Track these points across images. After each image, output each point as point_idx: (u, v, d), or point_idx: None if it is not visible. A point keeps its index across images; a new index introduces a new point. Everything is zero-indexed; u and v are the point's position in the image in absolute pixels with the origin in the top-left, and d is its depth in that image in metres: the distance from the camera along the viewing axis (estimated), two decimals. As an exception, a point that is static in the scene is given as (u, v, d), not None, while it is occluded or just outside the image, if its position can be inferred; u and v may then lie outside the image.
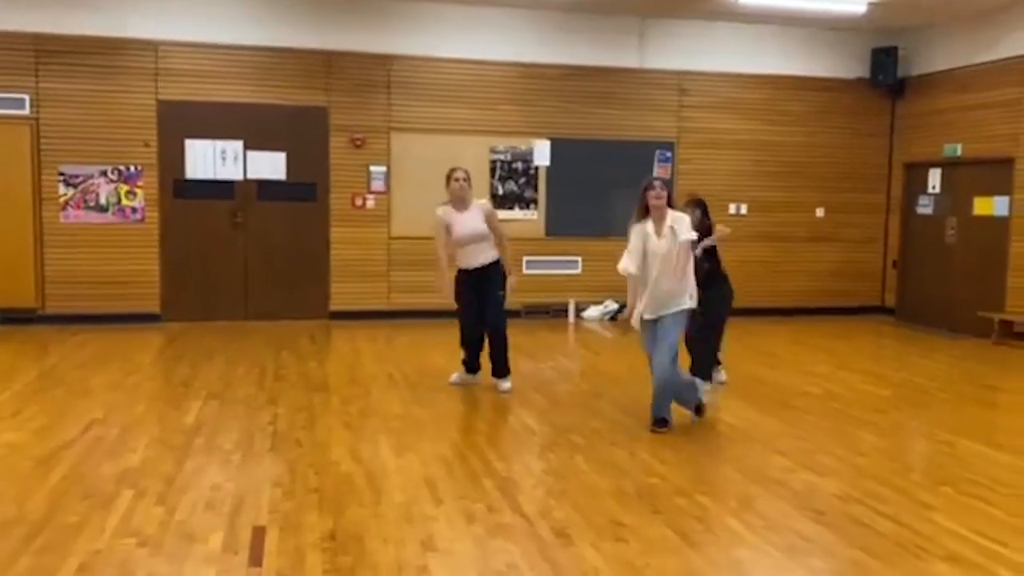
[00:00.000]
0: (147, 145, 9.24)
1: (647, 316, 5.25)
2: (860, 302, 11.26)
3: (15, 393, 6.13)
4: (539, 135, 10.21)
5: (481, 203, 6.26)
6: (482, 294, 6.22)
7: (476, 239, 6.10)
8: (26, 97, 8.92)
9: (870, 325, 10.55)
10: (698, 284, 5.40)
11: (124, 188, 9.24)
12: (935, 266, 10.47)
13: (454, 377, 6.57)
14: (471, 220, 6.09)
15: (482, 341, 6.40)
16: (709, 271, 6.10)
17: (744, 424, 5.65)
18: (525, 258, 10.15)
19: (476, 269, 6.16)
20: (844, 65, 10.90)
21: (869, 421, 5.78)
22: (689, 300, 5.26)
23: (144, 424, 5.38)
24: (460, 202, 6.12)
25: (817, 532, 3.79)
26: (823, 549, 3.60)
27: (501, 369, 6.42)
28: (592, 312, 10.33)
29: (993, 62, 9.56)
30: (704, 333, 6.24)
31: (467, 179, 6.13)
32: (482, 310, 6.24)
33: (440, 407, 5.95)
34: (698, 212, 6.15)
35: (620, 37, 10.29)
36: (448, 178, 6.16)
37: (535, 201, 10.25)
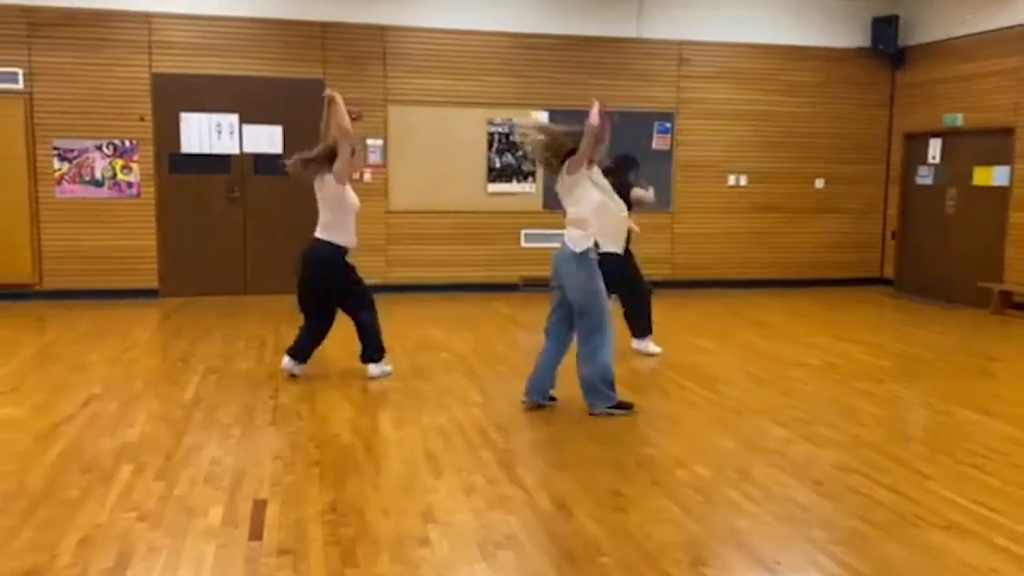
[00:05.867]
0: (143, 119, 9.17)
1: None
2: (859, 273, 11.25)
3: (13, 369, 6.12)
4: (536, 107, 10.10)
5: None
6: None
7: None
8: (19, 72, 8.83)
9: (869, 296, 10.55)
10: None
11: (119, 163, 9.18)
12: (934, 237, 10.44)
13: (389, 369, 6.07)
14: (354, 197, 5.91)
15: None
16: None
17: (742, 395, 5.66)
18: (523, 231, 10.12)
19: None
20: (844, 34, 10.80)
21: (867, 392, 5.79)
22: None
23: (142, 399, 5.38)
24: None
25: (816, 502, 3.80)
26: (822, 519, 3.62)
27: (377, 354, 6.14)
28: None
29: (993, 31, 9.46)
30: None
31: None
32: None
33: (439, 380, 5.95)
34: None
35: (618, 6, 10.18)
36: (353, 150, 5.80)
37: (532, 174, 10.19)
